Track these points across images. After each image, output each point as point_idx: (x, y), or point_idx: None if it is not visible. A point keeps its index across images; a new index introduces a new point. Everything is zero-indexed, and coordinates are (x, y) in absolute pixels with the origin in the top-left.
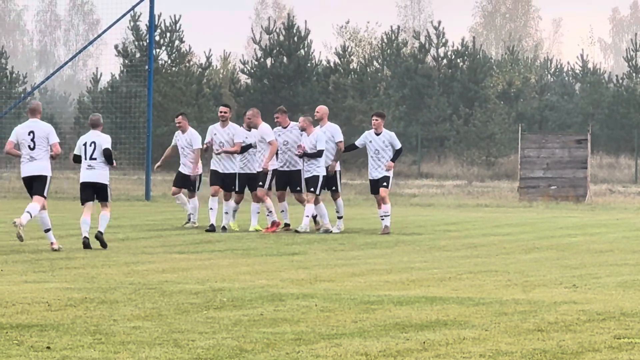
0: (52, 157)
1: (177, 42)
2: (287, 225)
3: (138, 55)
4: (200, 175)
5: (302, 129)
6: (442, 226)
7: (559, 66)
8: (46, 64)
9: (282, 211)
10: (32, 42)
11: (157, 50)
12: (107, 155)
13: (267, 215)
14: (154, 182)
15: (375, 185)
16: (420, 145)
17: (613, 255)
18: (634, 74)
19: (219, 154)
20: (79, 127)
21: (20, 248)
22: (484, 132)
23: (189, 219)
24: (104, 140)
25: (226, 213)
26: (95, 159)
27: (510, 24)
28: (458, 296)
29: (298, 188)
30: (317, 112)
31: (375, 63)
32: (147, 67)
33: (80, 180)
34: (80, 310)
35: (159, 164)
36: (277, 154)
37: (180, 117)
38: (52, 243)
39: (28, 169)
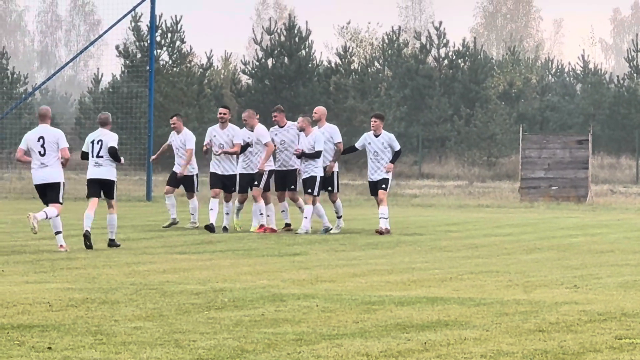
0: (62, 165)
1: (178, 43)
2: (287, 225)
3: (139, 55)
4: (197, 174)
5: (301, 129)
6: (443, 227)
7: (560, 67)
8: (47, 65)
9: (283, 211)
10: (33, 42)
11: (158, 50)
12: (112, 153)
13: (259, 215)
14: (155, 182)
15: (375, 187)
16: (421, 146)
17: (614, 256)
18: (635, 75)
19: (219, 154)
20: (80, 128)
21: (21, 249)
22: (485, 132)
23: (173, 222)
24: (110, 139)
25: (227, 214)
26: (102, 156)
27: (511, 25)
28: (459, 296)
29: (293, 187)
30: (315, 113)
31: (376, 63)
32: (148, 67)
33: (88, 177)
34: (81, 311)
35: (154, 157)
36: (274, 154)
37: (174, 118)
38: (60, 246)
39: (40, 176)
